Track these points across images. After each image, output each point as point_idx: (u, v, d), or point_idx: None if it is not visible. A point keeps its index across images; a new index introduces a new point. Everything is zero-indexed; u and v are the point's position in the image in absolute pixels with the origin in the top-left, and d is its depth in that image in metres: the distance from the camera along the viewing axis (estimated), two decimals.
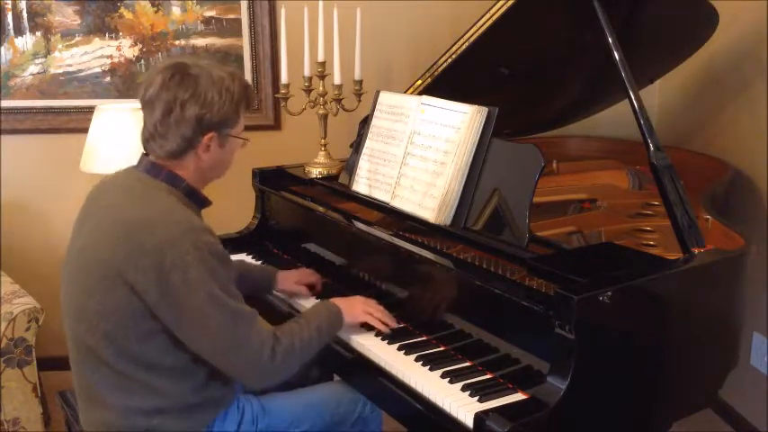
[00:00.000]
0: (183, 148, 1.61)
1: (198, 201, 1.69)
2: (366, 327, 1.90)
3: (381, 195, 2.12)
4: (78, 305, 1.60)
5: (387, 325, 1.85)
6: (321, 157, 2.54)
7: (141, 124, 1.65)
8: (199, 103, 1.57)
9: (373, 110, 2.25)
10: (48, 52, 3.07)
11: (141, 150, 1.69)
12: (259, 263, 2.40)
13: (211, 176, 1.73)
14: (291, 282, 2.11)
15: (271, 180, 2.57)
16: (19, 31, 3.04)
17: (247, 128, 3.31)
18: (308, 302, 2.06)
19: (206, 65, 1.63)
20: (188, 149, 1.62)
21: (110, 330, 1.55)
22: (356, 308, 1.85)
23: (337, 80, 2.49)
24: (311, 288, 2.13)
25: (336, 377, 2.12)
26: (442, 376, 1.65)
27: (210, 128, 1.60)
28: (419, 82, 2.40)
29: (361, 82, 2.54)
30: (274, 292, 2.14)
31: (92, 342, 1.58)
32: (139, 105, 1.65)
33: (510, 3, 2.08)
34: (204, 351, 1.57)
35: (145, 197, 1.60)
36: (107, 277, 1.53)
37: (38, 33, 3.05)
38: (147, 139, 1.64)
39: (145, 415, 1.60)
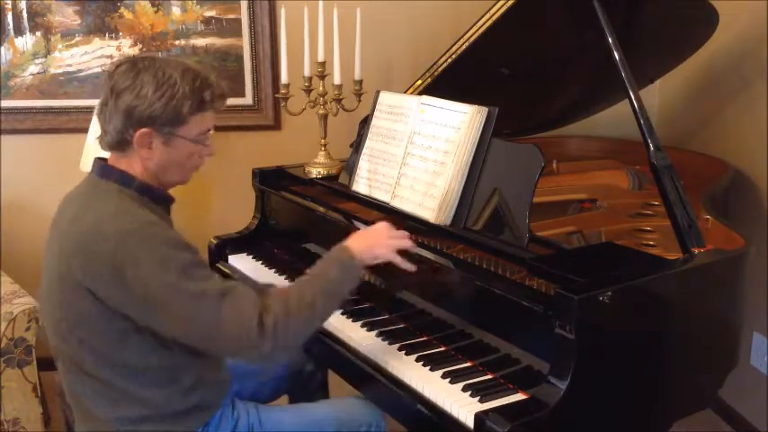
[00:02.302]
0: (117, 140, 1.55)
1: (156, 197, 1.62)
2: (367, 326, 1.90)
3: (381, 195, 2.12)
4: (52, 319, 1.59)
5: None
6: (321, 157, 2.54)
7: None
8: (133, 94, 1.51)
9: (373, 110, 2.25)
10: (48, 52, 3.07)
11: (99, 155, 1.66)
12: (259, 263, 2.41)
13: (166, 180, 1.63)
14: None
15: (271, 180, 2.57)
16: (19, 31, 3.04)
17: (247, 128, 3.31)
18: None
19: (162, 60, 1.56)
20: (125, 144, 1.55)
21: (85, 338, 1.53)
22: (378, 243, 1.66)
23: (337, 80, 2.49)
24: None
25: (333, 385, 2.12)
26: (443, 376, 1.65)
27: (142, 123, 1.52)
28: (419, 82, 2.40)
29: (361, 82, 2.54)
30: None
31: (71, 352, 1.57)
32: None
33: (510, 3, 2.08)
34: (184, 338, 1.52)
35: (95, 203, 1.55)
36: (69, 290, 1.51)
37: (38, 33, 3.05)
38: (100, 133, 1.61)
39: (133, 423, 1.58)
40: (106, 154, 1.64)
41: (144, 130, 1.53)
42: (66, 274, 1.51)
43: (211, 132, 1.63)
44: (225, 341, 1.51)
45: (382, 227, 1.74)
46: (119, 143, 1.57)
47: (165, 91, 1.51)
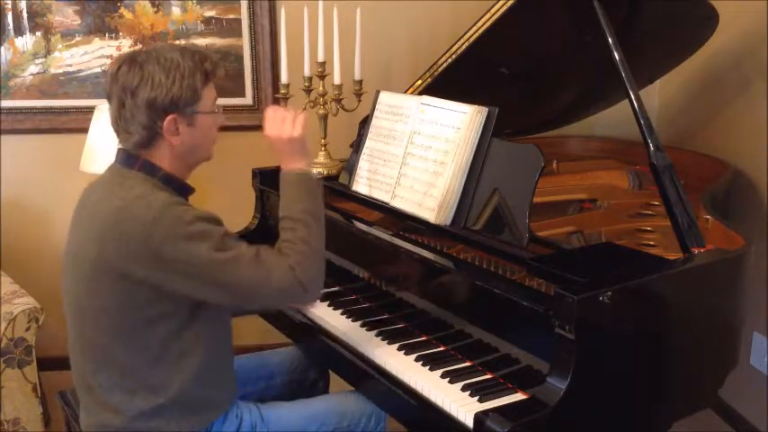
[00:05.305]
0: (146, 136, 1.59)
1: (179, 188, 1.66)
2: (367, 326, 1.90)
3: (381, 195, 2.12)
4: (80, 305, 1.61)
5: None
6: (321, 157, 2.54)
7: None
8: (147, 87, 1.55)
9: (373, 110, 2.24)
10: (48, 52, 3.07)
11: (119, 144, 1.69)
12: None
13: (194, 160, 1.69)
14: None
15: (271, 180, 2.56)
16: (19, 31, 3.04)
17: (247, 128, 3.31)
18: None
19: (157, 48, 1.62)
20: (154, 137, 1.60)
21: (115, 324, 1.56)
22: (295, 139, 1.75)
23: (337, 80, 2.49)
24: None
25: (335, 388, 2.11)
26: (442, 376, 1.65)
27: (166, 110, 1.57)
28: (419, 82, 2.40)
29: (361, 82, 2.54)
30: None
31: (93, 336, 1.59)
32: None
33: (510, 3, 2.08)
34: (233, 300, 1.61)
35: (120, 189, 1.59)
36: (102, 274, 1.54)
37: (38, 33, 3.05)
38: (116, 133, 1.64)
39: (145, 417, 1.60)
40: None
41: (170, 116, 1.58)
42: (99, 258, 1.54)
43: (218, 101, 1.69)
44: (274, 293, 1.60)
45: (271, 115, 1.79)
46: (148, 139, 1.60)
47: (175, 73, 1.57)
